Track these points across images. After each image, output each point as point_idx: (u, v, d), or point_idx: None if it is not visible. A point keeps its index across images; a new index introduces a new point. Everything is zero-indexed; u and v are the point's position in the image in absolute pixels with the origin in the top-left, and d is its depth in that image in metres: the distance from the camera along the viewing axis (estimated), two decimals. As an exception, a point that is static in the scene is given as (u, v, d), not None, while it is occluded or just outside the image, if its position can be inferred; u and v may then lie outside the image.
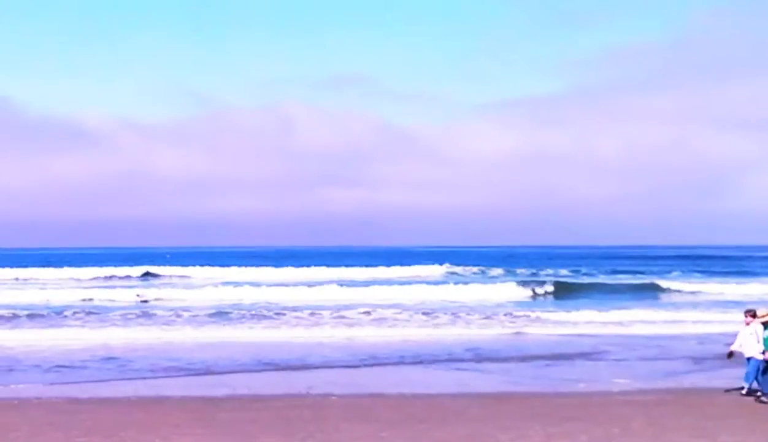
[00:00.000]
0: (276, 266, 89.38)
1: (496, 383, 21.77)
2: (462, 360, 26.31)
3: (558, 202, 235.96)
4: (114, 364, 25.49)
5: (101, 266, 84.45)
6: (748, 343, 18.86)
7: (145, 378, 23.00)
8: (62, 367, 24.70)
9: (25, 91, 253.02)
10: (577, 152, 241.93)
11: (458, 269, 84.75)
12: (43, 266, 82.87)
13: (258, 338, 32.37)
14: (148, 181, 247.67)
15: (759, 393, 18.82)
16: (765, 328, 18.74)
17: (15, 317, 37.75)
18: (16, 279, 69.42)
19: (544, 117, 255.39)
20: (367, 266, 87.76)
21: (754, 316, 19.12)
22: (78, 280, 69.48)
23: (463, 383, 21.69)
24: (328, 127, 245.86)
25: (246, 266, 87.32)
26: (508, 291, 55.16)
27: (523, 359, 26.81)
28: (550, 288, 58.23)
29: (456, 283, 60.40)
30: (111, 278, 73.09)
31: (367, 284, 59.70)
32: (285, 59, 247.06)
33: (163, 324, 35.60)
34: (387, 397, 19.72)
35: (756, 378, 18.91)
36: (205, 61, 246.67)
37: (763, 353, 18.60)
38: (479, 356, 27.03)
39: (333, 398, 19.53)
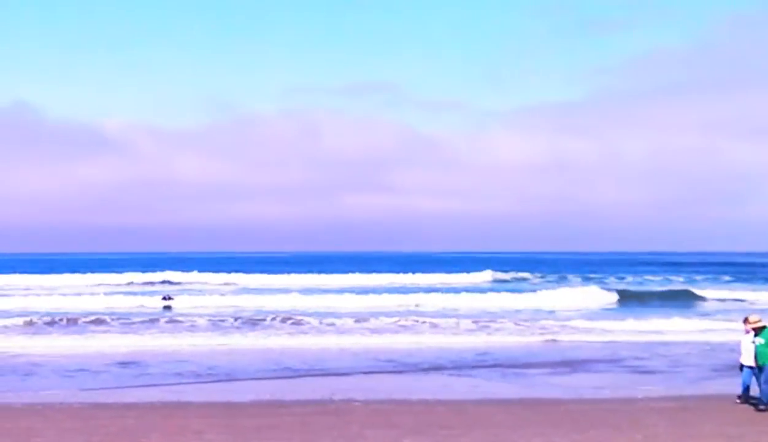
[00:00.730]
0: (300, 271, 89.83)
1: (521, 390, 21.95)
2: (488, 366, 26.50)
3: (581, 209, 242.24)
4: (136, 370, 25.85)
5: (123, 271, 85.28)
6: (747, 351, 18.94)
7: (167, 384, 23.31)
8: (84, 372, 25.10)
9: (46, 97, 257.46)
10: (600, 159, 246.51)
11: (501, 275, 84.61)
12: (64, 273, 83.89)
13: (281, 344, 32.63)
14: (171, 188, 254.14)
15: (740, 397, 18.86)
16: (757, 334, 18.66)
17: (35, 323, 38.18)
18: (27, 287, 69.58)
19: (567, 124, 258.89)
20: (391, 272, 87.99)
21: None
22: (100, 285, 70.27)
23: (489, 390, 21.89)
24: (352, 134, 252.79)
25: (269, 272, 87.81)
26: (545, 298, 54.62)
27: (551, 365, 26.99)
28: (590, 295, 57.48)
29: (483, 291, 60.15)
30: (132, 283, 73.82)
31: (406, 291, 59.47)
32: (308, 66, 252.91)
33: (185, 330, 35.97)
34: (410, 403, 19.84)
35: (748, 385, 18.91)
36: (229, 69, 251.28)
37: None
38: (506, 363, 27.22)
39: (356, 403, 19.66)
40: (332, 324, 38.46)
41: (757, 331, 18.65)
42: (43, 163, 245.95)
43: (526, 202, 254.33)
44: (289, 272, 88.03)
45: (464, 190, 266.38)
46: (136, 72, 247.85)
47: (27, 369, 25.74)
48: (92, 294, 55.90)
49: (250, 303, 50.39)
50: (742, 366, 19.26)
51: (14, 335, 34.46)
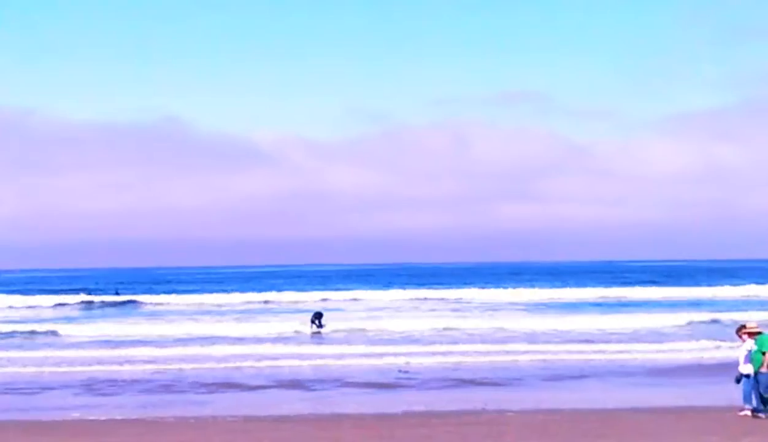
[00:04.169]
0: (457, 285, 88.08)
1: (674, 399, 21.59)
2: (638, 374, 26.49)
3: (734, 216, 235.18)
4: (292, 382, 26.47)
5: (276, 289, 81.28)
6: (741, 361, 18.60)
7: (324, 393, 24.00)
8: (236, 386, 25.71)
9: (196, 111, 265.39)
10: (751, 165, 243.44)
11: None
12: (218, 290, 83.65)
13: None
14: (325, 200, 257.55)
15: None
16: (756, 341, 18.24)
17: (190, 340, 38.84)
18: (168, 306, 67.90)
19: (717, 131, 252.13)
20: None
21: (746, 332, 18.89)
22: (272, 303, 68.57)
23: (640, 398, 21.63)
24: (501, 144, 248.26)
25: (420, 286, 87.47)
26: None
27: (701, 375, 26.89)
28: None
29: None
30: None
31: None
32: (458, 77, 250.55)
33: (338, 343, 36.67)
34: (563, 413, 19.88)
35: (752, 395, 18.35)
36: (376, 79, 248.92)
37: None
38: (656, 372, 27.21)
39: (509, 414, 19.66)
40: (488, 337, 39.05)
41: (756, 337, 18.37)
42: (191, 176, 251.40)
43: (680, 209, 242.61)
44: (446, 286, 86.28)
45: (617, 199, 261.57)
46: (284, 82, 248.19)
47: (168, 384, 26.40)
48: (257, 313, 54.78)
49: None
50: (738, 379, 18.72)
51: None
